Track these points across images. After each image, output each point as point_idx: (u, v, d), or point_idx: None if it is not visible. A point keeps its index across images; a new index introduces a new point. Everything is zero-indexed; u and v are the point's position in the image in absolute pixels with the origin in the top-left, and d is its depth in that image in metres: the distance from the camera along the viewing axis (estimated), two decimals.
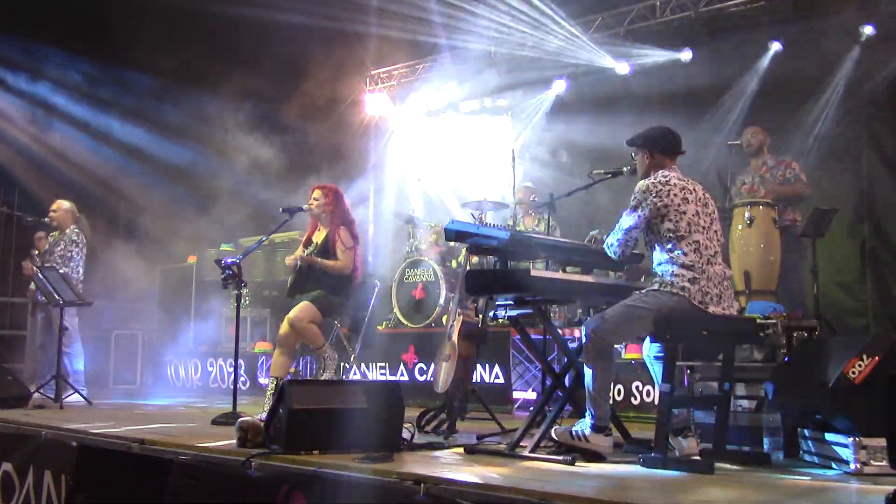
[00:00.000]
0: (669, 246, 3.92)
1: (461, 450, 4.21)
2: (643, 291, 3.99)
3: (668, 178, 3.99)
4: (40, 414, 6.03)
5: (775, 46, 8.18)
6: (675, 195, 3.94)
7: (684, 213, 3.94)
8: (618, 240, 4.06)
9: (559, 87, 9.73)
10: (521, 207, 8.05)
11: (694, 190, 4.03)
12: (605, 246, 4.16)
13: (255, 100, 10.70)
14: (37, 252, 8.44)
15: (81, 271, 7.92)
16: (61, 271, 7.43)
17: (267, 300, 9.48)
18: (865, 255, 7.63)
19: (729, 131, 8.02)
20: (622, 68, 9.15)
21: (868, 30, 7.79)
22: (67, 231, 7.91)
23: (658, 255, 3.98)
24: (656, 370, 4.10)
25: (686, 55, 8.67)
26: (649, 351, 4.15)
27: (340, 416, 4.06)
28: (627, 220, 4.02)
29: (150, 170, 10.89)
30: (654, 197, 3.94)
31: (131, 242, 10.98)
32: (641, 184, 4.03)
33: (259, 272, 9.27)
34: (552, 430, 4.06)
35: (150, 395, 8.77)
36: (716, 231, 4.06)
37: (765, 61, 8.30)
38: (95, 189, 10.56)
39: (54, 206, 8.01)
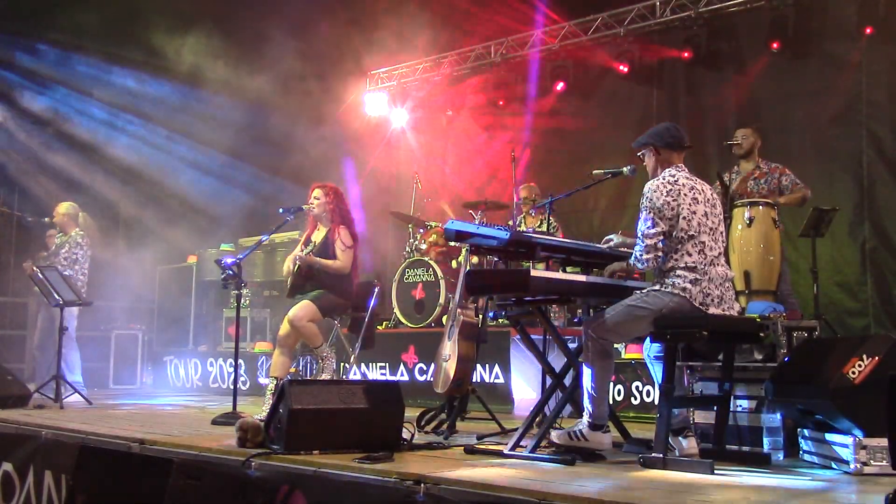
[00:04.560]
0: (676, 246, 3.91)
1: (461, 450, 4.21)
2: (644, 291, 3.98)
3: (675, 178, 3.96)
4: (40, 414, 6.03)
5: (773, 43, 8.18)
6: (685, 195, 3.92)
7: (694, 212, 3.91)
8: (644, 247, 3.90)
9: (559, 85, 9.73)
10: (522, 207, 8.05)
11: (703, 190, 4.01)
12: (633, 262, 4.01)
13: (256, 99, 10.70)
14: (44, 254, 8.42)
15: (86, 273, 7.91)
16: (66, 273, 7.45)
17: (267, 300, 9.48)
18: (865, 255, 7.63)
19: (729, 131, 8.01)
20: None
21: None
22: (72, 234, 7.92)
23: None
24: (656, 370, 4.10)
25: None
26: (649, 351, 4.15)
27: (340, 416, 4.07)
28: (645, 226, 3.93)
29: (151, 169, 10.89)
30: (667, 196, 3.90)
31: (131, 242, 10.98)
32: (650, 185, 3.98)
33: (259, 272, 9.27)
34: (551, 435, 4.06)
35: (150, 395, 8.76)
36: (721, 232, 4.05)
37: (764, 61, 8.30)
38: (95, 189, 10.56)
39: (56, 210, 8.01)
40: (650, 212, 3.92)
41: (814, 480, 3.50)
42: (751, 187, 6.50)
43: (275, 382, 5.63)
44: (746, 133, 6.61)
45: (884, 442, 3.46)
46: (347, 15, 10.02)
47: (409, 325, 7.78)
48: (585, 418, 4.00)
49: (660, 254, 3.91)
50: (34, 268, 7.46)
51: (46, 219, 8.17)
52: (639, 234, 3.97)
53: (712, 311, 3.86)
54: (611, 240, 4.41)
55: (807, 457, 3.98)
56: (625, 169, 4.74)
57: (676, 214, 3.90)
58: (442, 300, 7.47)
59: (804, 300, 6.67)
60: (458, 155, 10.81)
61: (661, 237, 3.90)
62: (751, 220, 5.92)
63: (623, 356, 6.35)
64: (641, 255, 3.94)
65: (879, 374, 3.54)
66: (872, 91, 7.73)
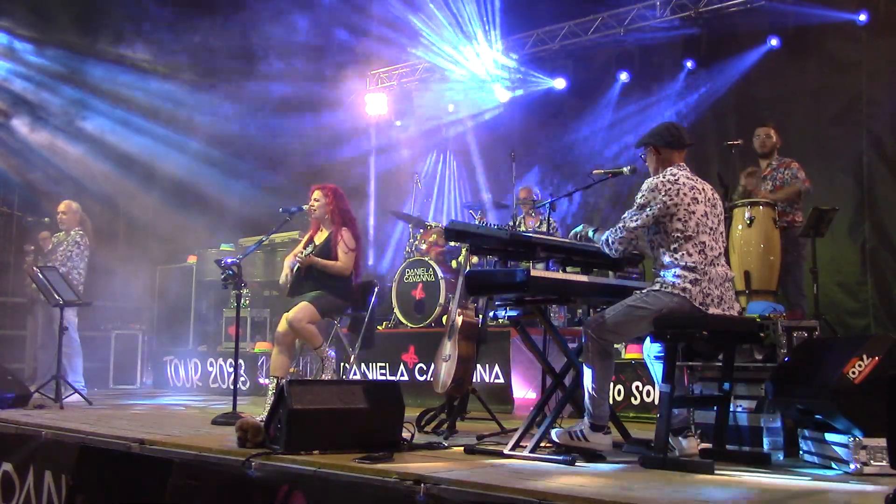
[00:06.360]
0: (675, 246, 3.90)
1: (461, 450, 4.21)
2: (644, 291, 3.98)
3: (676, 177, 3.96)
4: (40, 414, 6.03)
5: (773, 42, 8.19)
6: (684, 194, 3.92)
7: (693, 212, 3.91)
8: (620, 237, 3.99)
9: (559, 85, 9.75)
10: (522, 208, 8.06)
11: (703, 190, 4.01)
12: (602, 243, 4.08)
13: (255, 99, 10.71)
14: (32, 248, 8.41)
15: (82, 273, 7.91)
16: (61, 270, 7.44)
17: (267, 300, 9.48)
18: (865, 255, 7.63)
19: (729, 131, 8.02)
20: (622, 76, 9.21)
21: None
22: (72, 233, 7.91)
23: (662, 256, 3.95)
24: (656, 370, 4.10)
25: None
26: (649, 351, 4.15)
27: (340, 416, 4.07)
28: (633, 218, 3.95)
29: (151, 169, 10.89)
30: (664, 195, 3.90)
31: (131, 242, 10.98)
32: (650, 182, 3.98)
33: (259, 272, 9.27)
34: (552, 433, 4.06)
35: (150, 395, 8.76)
36: (721, 232, 4.05)
37: (764, 61, 8.31)
38: (95, 188, 10.56)
39: (62, 207, 7.98)
40: (640, 208, 3.94)
41: (814, 480, 3.49)
42: (756, 185, 6.51)
43: (275, 382, 5.63)
44: (769, 131, 6.60)
45: (884, 442, 3.46)
46: (348, 14, 10.02)
47: (409, 325, 7.77)
48: (586, 419, 4.00)
49: (631, 247, 4.02)
50: (34, 268, 7.46)
51: (46, 219, 8.16)
52: (621, 221, 4.00)
53: (712, 311, 3.86)
54: (577, 233, 4.37)
55: (807, 457, 3.98)
56: (625, 169, 4.74)
57: (672, 214, 3.90)
58: (442, 300, 7.47)
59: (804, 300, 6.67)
60: (458, 154, 10.83)
61: (641, 230, 3.95)
62: (751, 220, 5.94)
63: (623, 356, 6.35)
64: (614, 243, 4.01)
65: (879, 374, 3.54)
66: (872, 91, 7.73)
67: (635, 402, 6.07)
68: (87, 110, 10.64)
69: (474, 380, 5.47)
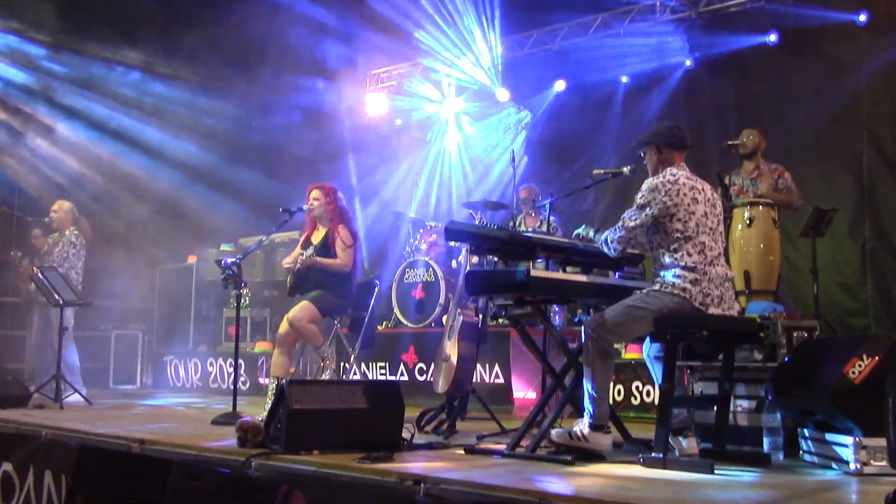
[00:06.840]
0: (675, 246, 3.90)
1: (461, 450, 4.21)
2: (643, 291, 3.98)
3: (676, 177, 3.96)
4: (40, 414, 6.03)
5: (772, 38, 8.19)
6: (684, 194, 3.92)
7: (693, 213, 3.91)
8: (619, 237, 4.00)
9: (559, 86, 9.75)
10: (522, 208, 8.05)
11: (703, 190, 4.01)
12: (601, 242, 4.10)
13: (254, 99, 10.70)
14: (20, 254, 8.40)
15: (80, 273, 7.89)
16: (59, 271, 7.44)
17: (267, 300, 9.48)
18: (866, 255, 7.63)
19: (729, 131, 8.01)
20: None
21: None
22: (66, 233, 7.90)
23: (662, 256, 3.96)
24: (656, 370, 4.10)
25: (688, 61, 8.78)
26: (649, 351, 4.15)
27: (340, 416, 4.07)
28: (632, 218, 3.97)
29: (151, 169, 10.89)
30: (664, 196, 3.90)
31: (131, 242, 10.97)
32: (650, 182, 3.98)
33: (259, 272, 9.27)
34: (552, 433, 4.06)
35: (150, 395, 8.76)
36: (721, 232, 4.05)
37: (764, 61, 8.30)
38: (95, 188, 10.56)
39: (55, 207, 7.98)
40: (640, 208, 3.95)
41: (814, 480, 3.50)
42: (747, 187, 6.51)
43: (275, 382, 5.64)
44: (752, 133, 6.61)
45: (884, 442, 3.46)
46: (347, 13, 10.02)
47: (409, 325, 7.77)
48: (586, 419, 4.00)
49: (630, 246, 4.05)
50: (34, 268, 7.45)
51: (46, 219, 8.16)
52: (620, 221, 4.00)
53: (712, 311, 3.86)
54: (579, 234, 4.40)
55: (807, 457, 3.98)
56: (625, 169, 4.74)
57: (672, 214, 3.90)
58: (442, 300, 7.47)
59: (804, 300, 6.66)
60: (458, 154, 10.83)
61: (641, 230, 3.97)
62: (751, 220, 5.92)
63: (623, 356, 6.35)
64: (613, 242, 4.03)
65: (879, 374, 3.53)
66: (872, 91, 7.73)
67: (635, 402, 6.07)
68: (87, 110, 10.63)
69: (474, 380, 5.47)
